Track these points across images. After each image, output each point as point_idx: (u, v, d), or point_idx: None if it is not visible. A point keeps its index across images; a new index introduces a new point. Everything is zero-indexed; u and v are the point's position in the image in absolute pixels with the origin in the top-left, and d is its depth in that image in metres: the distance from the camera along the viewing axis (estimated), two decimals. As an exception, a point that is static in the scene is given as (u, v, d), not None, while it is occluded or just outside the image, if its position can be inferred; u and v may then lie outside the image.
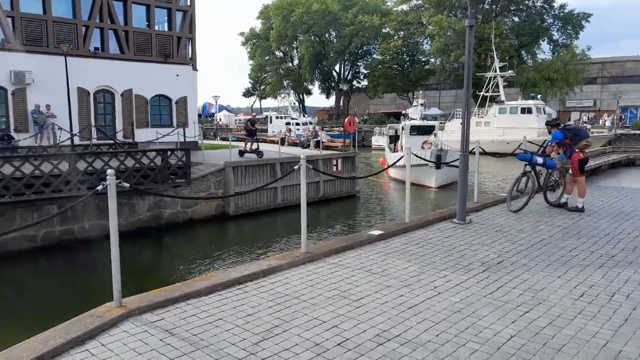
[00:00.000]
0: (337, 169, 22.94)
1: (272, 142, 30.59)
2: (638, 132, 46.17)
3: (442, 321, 4.29)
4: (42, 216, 14.17)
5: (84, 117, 20.77)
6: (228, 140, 38.39)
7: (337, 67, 71.30)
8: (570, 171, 9.04)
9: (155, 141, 21.48)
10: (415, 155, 21.29)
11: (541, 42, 63.11)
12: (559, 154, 9.10)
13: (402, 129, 27.52)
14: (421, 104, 31.07)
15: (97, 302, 4.55)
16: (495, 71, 50.05)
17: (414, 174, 22.26)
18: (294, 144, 27.63)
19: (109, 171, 4.34)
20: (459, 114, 51.96)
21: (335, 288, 5.08)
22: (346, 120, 24.13)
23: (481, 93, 51.14)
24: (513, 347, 3.80)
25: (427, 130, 25.92)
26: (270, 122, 54.19)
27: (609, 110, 67.36)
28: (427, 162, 21.33)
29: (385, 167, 22.53)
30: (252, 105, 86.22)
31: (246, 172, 19.60)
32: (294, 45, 71.48)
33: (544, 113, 46.99)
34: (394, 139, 28.93)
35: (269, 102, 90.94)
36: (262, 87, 77.77)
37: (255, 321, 4.27)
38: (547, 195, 9.45)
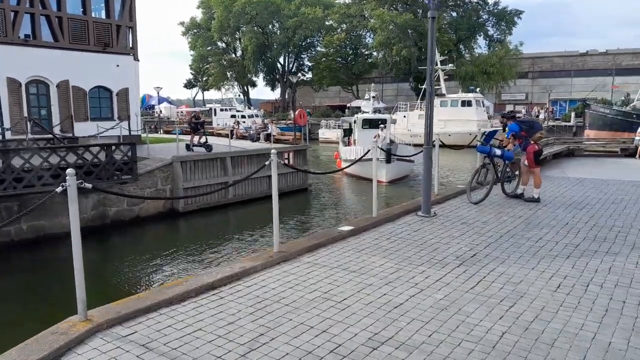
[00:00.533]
0: (289, 162, 22.65)
1: (219, 135, 29.80)
2: (567, 123, 48.95)
3: (431, 320, 4.19)
4: (-28, 218, 13.05)
5: (15, 110, 19.29)
6: (171, 134, 37.31)
7: (281, 59, 70.61)
8: (525, 162, 9.29)
9: (96, 135, 20.31)
10: (382, 148, 20.96)
11: (477, 37, 65.32)
12: (514, 145, 9.31)
13: (354, 122, 27.01)
14: (373, 97, 30.54)
15: (50, 315, 4.10)
16: (437, 65, 51.27)
17: (364, 168, 22.06)
18: (243, 137, 27.01)
19: (69, 170, 3.89)
20: (402, 107, 53.09)
21: (316, 289, 4.87)
22: (297, 112, 23.86)
23: (423, 86, 52.35)
24: (507, 344, 3.75)
25: (379, 124, 25.25)
26: (215, 115, 52.95)
27: (540, 103, 71.00)
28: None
29: (338, 161, 22.48)
30: (194, 97, 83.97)
31: (195, 167, 18.95)
32: (237, 36, 70.10)
33: (483, 106, 48.81)
34: (348, 133, 28.34)
35: (212, 94, 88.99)
36: (204, 79, 75.76)
37: (237, 330, 4.00)
38: (504, 187, 9.67)
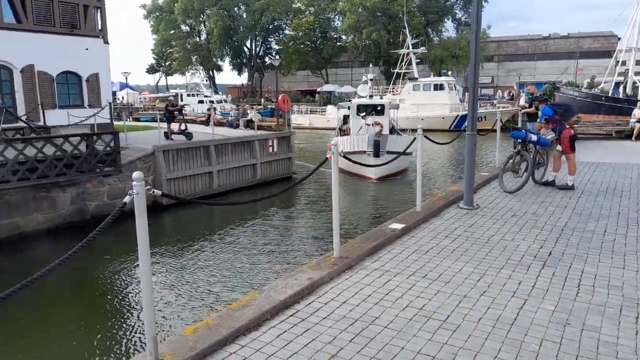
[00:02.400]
0: (273, 149, 21.77)
1: (193, 122, 28.45)
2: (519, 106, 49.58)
3: (563, 340, 3.57)
4: (-59, 220, 11.68)
5: (-25, 97, 17.57)
6: (139, 121, 35.60)
7: (248, 43, 68.74)
8: (559, 148, 8.83)
9: (67, 125, 18.83)
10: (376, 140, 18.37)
11: (446, 20, 65.38)
12: (548, 130, 8.83)
13: (349, 108, 23.83)
14: (371, 80, 27.62)
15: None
16: (408, 48, 50.94)
17: (350, 162, 20.71)
18: (220, 124, 25.80)
19: (136, 175, 3.03)
20: (375, 91, 52.55)
21: (408, 305, 4.17)
22: (280, 98, 22.82)
23: (395, 70, 51.99)
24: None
25: (376, 110, 22.36)
26: (182, 100, 51.03)
27: (505, 87, 72.10)
28: (364, 150, 19.01)
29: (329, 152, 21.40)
30: (157, 83, 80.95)
31: (178, 157, 17.88)
32: (201, 19, 67.69)
33: (455, 89, 48.86)
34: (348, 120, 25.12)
35: (175, 79, 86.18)
36: (167, 63, 73.03)
37: (347, 365, 3.26)
38: (534, 174, 9.19)
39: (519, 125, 13.44)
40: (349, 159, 6.71)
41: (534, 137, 8.55)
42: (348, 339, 3.59)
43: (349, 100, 28.10)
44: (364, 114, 22.27)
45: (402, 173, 21.17)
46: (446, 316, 3.96)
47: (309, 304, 4.19)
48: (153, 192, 3.06)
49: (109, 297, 9.52)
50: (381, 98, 27.17)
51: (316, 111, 52.20)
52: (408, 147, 8.57)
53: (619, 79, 41.50)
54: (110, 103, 20.65)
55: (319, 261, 5.00)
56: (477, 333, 3.68)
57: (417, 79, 48.88)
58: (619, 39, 69.83)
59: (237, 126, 25.01)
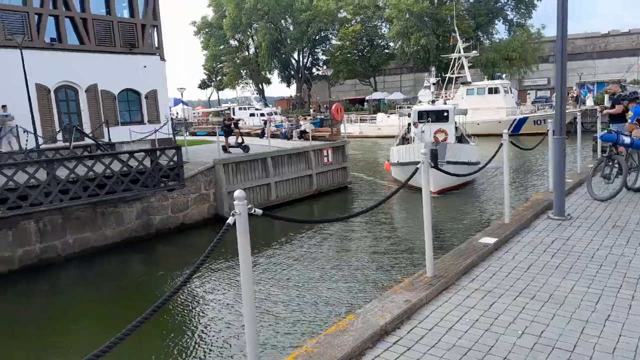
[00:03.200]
0: (328, 159, 21.54)
1: (247, 134, 28.69)
2: (599, 106, 47.16)
3: None
4: (18, 234, 12.10)
5: (46, 117, 18.35)
6: (196, 135, 36.39)
7: (295, 55, 69.34)
8: (653, 151, 8.06)
9: (129, 141, 19.37)
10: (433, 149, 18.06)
11: (497, 22, 63.51)
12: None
13: (409, 115, 22.54)
14: (434, 84, 25.75)
15: None
16: (459, 52, 49.70)
17: (406, 174, 18.53)
18: (274, 136, 25.86)
19: (237, 193, 2.76)
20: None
21: (524, 332, 3.72)
22: (333, 107, 22.63)
23: (447, 75, 50.85)
24: None
25: (439, 117, 20.92)
26: (234, 114, 51.98)
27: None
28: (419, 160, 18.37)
29: (387, 163, 20.16)
30: (209, 97, 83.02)
31: (237, 169, 17.96)
32: (249, 33, 68.91)
33: (511, 92, 47.20)
34: None
35: (226, 93, 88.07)
36: (218, 78, 74.75)
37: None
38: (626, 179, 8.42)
39: (598, 127, 12.54)
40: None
41: (627, 140, 7.83)
42: (468, 373, 3.19)
43: (409, 107, 27.02)
44: (424, 121, 20.86)
45: (468, 184, 19.44)
46: (573, 345, 3.49)
47: (411, 330, 3.81)
48: (254, 211, 2.78)
49: (178, 316, 9.46)
50: (445, 103, 24.35)
51: (366, 120, 51.78)
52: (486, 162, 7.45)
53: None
54: (172, 119, 21.08)
55: (412, 281, 4.61)
56: (617, 367, 3.19)
57: (470, 83, 47.58)
58: (687, 32, 65.79)
59: (290, 137, 24.98)
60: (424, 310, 4.15)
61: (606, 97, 41.42)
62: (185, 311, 9.47)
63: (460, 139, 21.91)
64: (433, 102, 22.52)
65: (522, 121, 43.18)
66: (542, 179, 19.85)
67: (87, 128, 19.20)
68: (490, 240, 5.68)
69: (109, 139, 18.03)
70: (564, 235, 6.09)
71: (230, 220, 2.71)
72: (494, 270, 5.03)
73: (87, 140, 17.77)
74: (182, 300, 9.97)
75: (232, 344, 7.69)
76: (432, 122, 20.41)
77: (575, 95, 54.67)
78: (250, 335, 2.85)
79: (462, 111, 23.34)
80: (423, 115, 21.16)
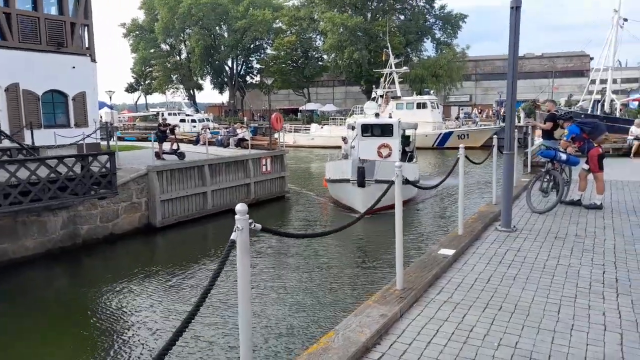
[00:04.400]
0: (266, 169, 21.33)
1: (180, 141, 27.76)
2: (517, 123, 50.41)
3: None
4: None
5: (-42, 117, 16.74)
6: (124, 140, 34.69)
7: (229, 62, 68.42)
8: (585, 167, 8.67)
9: (54, 146, 18.07)
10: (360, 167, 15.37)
11: (425, 40, 66.36)
12: (573, 149, 8.67)
13: (352, 128, 21.33)
14: (381, 96, 25.38)
15: None
16: (391, 67, 51.34)
17: (340, 193, 18.07)
18: (210, 143, 25.22)
19: (239, 207, 2.59)
20: (358, 111, 52.67)
21: (499, 344, 3.80)
22: (273, 116, 22.45)
23: (378, 89, 52.29)
24: None
25: (385, 131, 19.71)
26: (162, 119, 50.30)
27: (483, 105, 73.42)
28: (347, 178, 16.53)
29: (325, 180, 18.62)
30: (136, 101, 79.73)
31: (172, 177, 17.32)
32: (182, 38, 67.19)
33: (438, 107, 49.33)
34: None
35: (155, 98, 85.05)
36: (147, 82, 72.05)
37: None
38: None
39: (529, 143, 13.36)
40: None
41: (564, 157, 8.38)
42: (455, 388, 3.19)
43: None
44: (369, 134, 19.92)
45: (406, 204, 16.80)
46: (547, 356, 3.60)
47: (392, 345, 3.78)
48: (254, 226, 2.63)
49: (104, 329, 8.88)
50: (390, 117, 23.30)
51: (300, 129, 52.03)
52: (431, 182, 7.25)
53: (596, 97, 42.52)
54: (107, 123, 19.97)
55: (383, 294, 4.60)
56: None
57: (400, 97, 49.16)
58: (592, 58, 72.22)
59: (227, 145, 24.50)
60: (399, 324, 4.14)
61: (522, 113, 44.10)
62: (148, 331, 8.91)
63: (411, 155, 21.05)
64: (377, 115, 21.11)
65: (447, 135, 45.23)
66: (479, 191, 20.82)
67: (5, 130, 17.71)
68: (449, 252, 5.81)
69: (32, 143, 16.74)
70: (514, 247, 6.36)
71: (233, 236, 2.53)
72: (457, 281, 5.14)
73: (5, 143, 16.42)
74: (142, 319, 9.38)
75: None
76: (376, 136, 19.69)
77: (496, 111, 58.19)
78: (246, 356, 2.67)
79: (412, 125, 22.36)
80: (367, 129, 20.11)
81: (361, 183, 15.89)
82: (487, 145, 44.51)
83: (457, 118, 56.19)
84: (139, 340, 8.23)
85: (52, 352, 8.11)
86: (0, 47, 18.33)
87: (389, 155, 18.74)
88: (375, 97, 25.59)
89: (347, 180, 16.63)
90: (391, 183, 4.73)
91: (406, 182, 4.74)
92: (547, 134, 10.45)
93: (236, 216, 2.55)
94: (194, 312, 2.12)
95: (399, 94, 50.36)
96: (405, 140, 22.90)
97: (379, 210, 15.54)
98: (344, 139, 20.38)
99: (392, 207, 15.32)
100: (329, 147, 44.71)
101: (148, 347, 7.95)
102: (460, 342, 3.82)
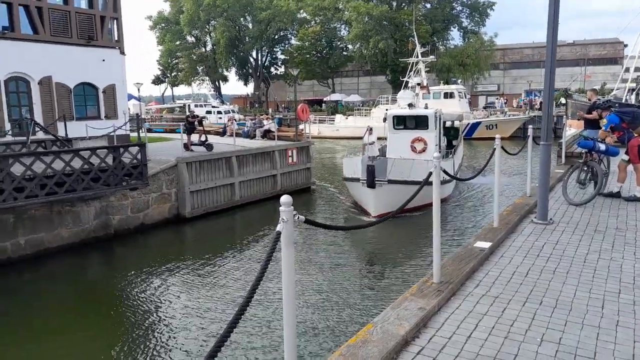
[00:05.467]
0: (292, 160, 21.37)
1: (208, 132, 28.00)
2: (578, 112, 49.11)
3: None
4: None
5: (-6, 110, 17.24)
6: (153, 132, 35.20)
7: (254, 53, 68.56)
8: (624, 157, 8.40)
9: (86, 137, 18.48)
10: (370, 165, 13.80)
11: (452, 28, 65.16)
12: (613, 139, 8.39)
13: (384, 120, 18.98)
14: (418, 84, 22.01)
15: None
16: (417, 56, 50.64)
17: (354, 192, 16.68)
18: (236, 135, 25.38)
19: (284, 199, 2.56)
20: (384, 101, 52.21)
21: (542, 339, 3.71)
22: (299, 107, 22.45)
23: (405, 79, 51.66)
24: None
25: (419, 123, 17.55)
26: (189, 111, 50.79)
27: (512, 94, 71.89)
28: (358, 178, 15.08)
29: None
30: (163, 93, 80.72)
31: (200, 168, 17.51)
32: (207, 30, 67.54)
33: (465, 97, 48.56)
34: None
35: (181, 90, 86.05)
36: (173, 74, 72.81)
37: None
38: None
39: (564, 134, 13.02)
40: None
41: (603, 147, 8.12)
42: (499, 384, 3.13)
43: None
44: (402, 127, 17.92)
45: (422, 209, 14.21)
46: (593, 352, 3.50)
47: (431, 338, 3.73)
48: (298, 217, 2.60)
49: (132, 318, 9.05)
50: (426, 107, 19.84)
51: (324, 120, 51.90)
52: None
53: (631, 85, 41.16)
54: (137, 114, 20.30)
55: (420, 287, 4.54)
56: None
57: (426, 87, 48.45)
58: (626, 45, 69.88)
59: (253, 136, 24.62)
60: (438, 317, 4.08)
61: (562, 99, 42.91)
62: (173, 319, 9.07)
63: (455, 150, 19.25)
64: (410, 105, 18.54)
65: (475, 126, 44.50)
66: (510, 183, 20.38)
67: (39, 122, 18.16)
68: (485, 245, 5.71)
69: (66, 134, 17.12)
70: (551, 240, 6.21)
71: (278, 228, 2.51)
72: (494, 275, 5.04)
73: (40, 135, 16.84)
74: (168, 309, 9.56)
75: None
76: (410, 129, 17.70)
77: (525, 101, 56.92)
78: (290, 349, 2.67)
79: (457, 117, 20.52)
80: (400, 121, 18.08)
81: (371, 183, 14.24)
82: (515, 136, 43.67)
83: (485, 108, 55.13)
84: (173, 328, 8.37)
85: (90, 337, 8.32)
86: (34, 40, 18.76)
87: (423, 150, 16.78)
88: (412, 85, 22.34)
89: (358, 180, 15.21)
90: (425, 182, 4.63)
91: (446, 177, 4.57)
92: (591, 124, 10.17)
93: (281, 208, 2.53)
94: (244, 307, 2.11)
95: (425, 83, 49.67)
96: (454, 132, 21.56)
97: (400, 213, 14.23)
98: (370, 130, 18.50)
99: (417, 209, 13.58)
100: (354, 138, 44.56)
101: (182, 334, 8.08)
102: (501, 337, 3.75)
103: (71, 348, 8.02)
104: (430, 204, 4.61)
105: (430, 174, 4.57)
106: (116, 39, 22.08)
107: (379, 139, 19.85)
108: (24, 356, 7.72)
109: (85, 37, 20.43)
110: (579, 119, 13.38)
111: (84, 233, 14.04)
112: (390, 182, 14.29)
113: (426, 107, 19.03)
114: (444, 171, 5.10)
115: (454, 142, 20.02)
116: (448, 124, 22.22)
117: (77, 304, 10.10)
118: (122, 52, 22.18)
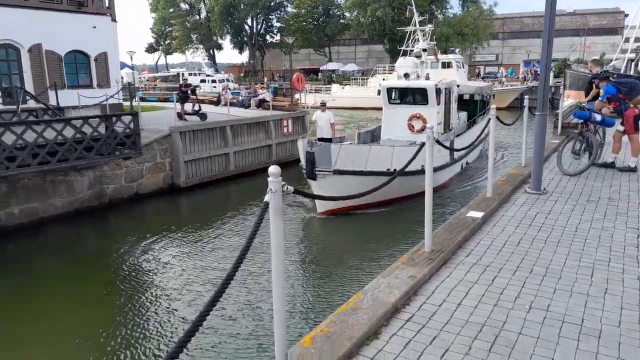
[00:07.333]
0: (287, 130, 21.24)
1: (201, 101, 27.69)
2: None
3: None
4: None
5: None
6: (146, 101, 34.81)
7: (249, 21, 67.33)
8: (619, 128, 8.36)
9: (78, 106, 18.21)
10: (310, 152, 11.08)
11: (451, -4, 64.02)
12: (609, 109, 8.33)
13: (378, 93, 15.94)
14: (424, 50, 18.56)
15: None
16: (415, 25, 49.79)
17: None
18: (231, 104, 25.11)
19: (272, 169, 2.52)
20: (381, 70, 51.54)
21: (531, 307, 3.74)
22: (294, 77, 22.12)
23: (402, 47, 50.94)
24: None
25: (416, 98, 14.83)
26: (182, 80, 50.15)
27: (510, 64, 71.08)
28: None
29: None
30: (156, 62, 79.53)
31: (194, 138, 17.39)
32: (201, -4, 66.21)
33: (463, 67, 48.00)
34: None
35: (175, 58, 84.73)
36: (167, 42, 71.57)
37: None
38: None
39: (560, 104, 12.92)
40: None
41: (599, 118, 8.07)
42: (486, 349, 3.16)
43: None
44: (397, 102, 15.25)
45: (410, 197, 12.73)
46: (580, 319, 3.54)
47: (421, 306, 3.76)
48: (287, 188, 2.56)
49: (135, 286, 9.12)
50: (427, 78, 16.09)
51: (321, 90, 51.40)
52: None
53: (630, 55, 40.74)
54: (129, 83, 20.00)
55: (411, 256, 4.56)
56: (628, 340, 3.26)
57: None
58: (626, 15, 68.87)
59: (248, 106, 24.37)
60: (428, 285, 4.11)
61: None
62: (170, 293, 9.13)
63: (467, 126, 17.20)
64: (406, 75, 15.63)
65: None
66: (504, 153, 20.32)
67: (29, 91, 17.88)
68: (478, 214, 5.71)
69: (57, 103, 16.88)
70: (544, 210, 6.22)
71: (266, 198, 2.48)
72: (486, 244, 5.06)
73: (31, 104, 16.60)
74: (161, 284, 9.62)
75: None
76: (408, 104, 15.00)
77: (526, 72, 56.32)
78: (280, 319, 2.67)
79: (475, 88, 18.22)
80: (395, 95, 15.37)
81: (310, 174, 11.51)
82: (512, 106, 43.40)
83: (484, 78, 54.57)
84: (167, 295, 8.45)
85: (87, 304, 8.38)
86: (22, 7, 18.28)
87: (422, 129, 13.91)
88: (418, 52, 18.54)
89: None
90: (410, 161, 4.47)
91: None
92: (593, 96, 10.04)
93: (269, 178, 2.49)
94: (230, 277, 2.09)
95: (435, 49, 48.97)
96: (474, 107, 19.21)
97: (349, 208, 12.50)
98: (323, 106, 15.79)
99: (393, 201, 12.61)
100: (352, 109, 44.23)
101: (176, 299, 8.16)
102: (490, 304, 3.78)
103: (65, 313, 8.08)
104: (421, 194, 4.47)
105: (423, 143, 4.52)
106: (107, 5, 21.56)
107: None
108: (17, 327, 7.78)
109: (75, 3, 19.93)
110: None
111: (78, 202, 14.01)
112: (337, 172, 11.66)
113: (427, 79, 15.95)
114: (437, 141, 5.04)
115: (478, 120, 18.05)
116: (466, 97, 19.98)
117: (72, 271, 10.15)
118: (114, 19, 21.70)
